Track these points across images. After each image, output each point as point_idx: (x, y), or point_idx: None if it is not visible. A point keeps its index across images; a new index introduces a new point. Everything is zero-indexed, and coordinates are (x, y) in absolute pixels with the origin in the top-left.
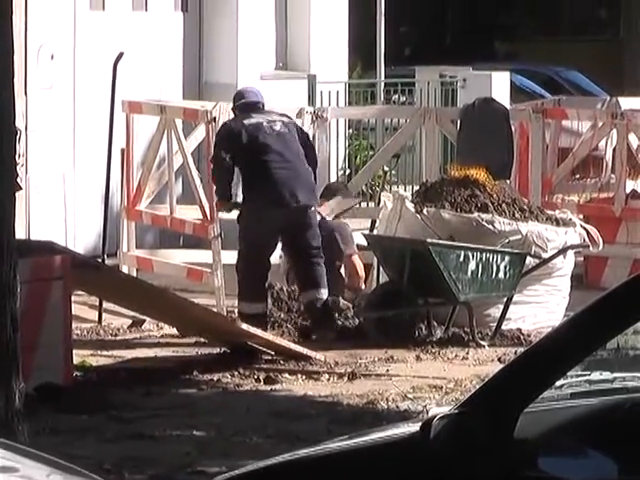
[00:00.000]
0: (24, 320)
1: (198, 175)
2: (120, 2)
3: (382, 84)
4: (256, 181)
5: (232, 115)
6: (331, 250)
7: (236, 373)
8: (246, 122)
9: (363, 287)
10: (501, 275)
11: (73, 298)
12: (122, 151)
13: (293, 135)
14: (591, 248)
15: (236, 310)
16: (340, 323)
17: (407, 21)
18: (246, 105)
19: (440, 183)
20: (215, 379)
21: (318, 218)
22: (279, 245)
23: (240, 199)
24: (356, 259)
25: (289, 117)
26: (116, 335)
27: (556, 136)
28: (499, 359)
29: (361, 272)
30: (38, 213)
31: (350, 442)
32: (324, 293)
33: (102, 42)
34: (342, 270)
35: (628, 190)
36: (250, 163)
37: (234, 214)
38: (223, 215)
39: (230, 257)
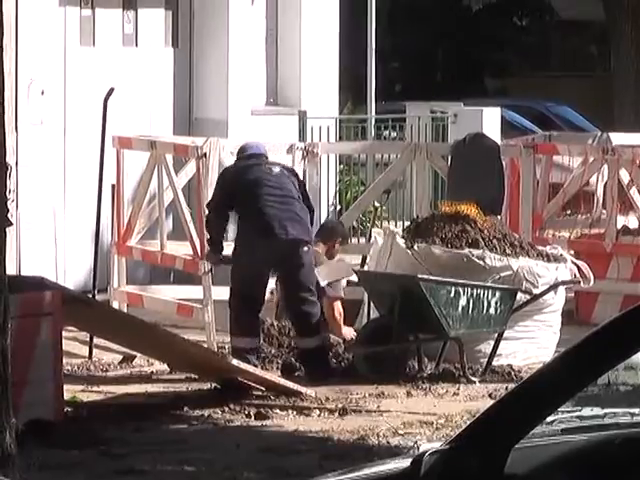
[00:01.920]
0: (14, 356)
1: (188, 211)
2: (110, 38)
3: (373, 120)
4: (249, 214)
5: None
6: (317, 289)
7: (226, 409)
8: (246, 162)
9: (347, 334)
10: (492, 311)
11: (63, 334)
12: (113, 187)
13: (291, 180)
14: (582, 284)
15: (226, 346)
16: (331, 358)
17: (398, 57)
18: (250, 156)
19: (431, 219)
20: (206, 415)
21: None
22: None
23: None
24: (337, 305)
25: (290, 168)
26: (107, 371)
27: (547, 171)
28: (490, 395)
29: (339, 318)
30: (29, 249)
31: (341, 478)
32: (318, 340)
33: (92, 78)
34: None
35: (619, 226)
36: (245, 197)
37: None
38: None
39: (221, 293)
